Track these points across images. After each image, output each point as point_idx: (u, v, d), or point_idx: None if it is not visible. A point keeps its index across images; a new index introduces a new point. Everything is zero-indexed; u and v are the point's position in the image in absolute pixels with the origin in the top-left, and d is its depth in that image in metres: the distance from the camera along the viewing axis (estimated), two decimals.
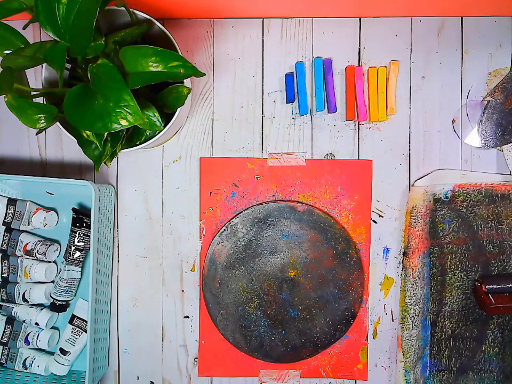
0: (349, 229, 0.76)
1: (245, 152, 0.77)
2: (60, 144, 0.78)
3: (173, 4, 0.69)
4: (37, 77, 0.77)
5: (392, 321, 0.77)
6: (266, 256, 0.76)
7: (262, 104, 0.77)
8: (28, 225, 0.74)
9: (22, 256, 0.75)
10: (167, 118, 0.62)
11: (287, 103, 0.76)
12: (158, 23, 0.61)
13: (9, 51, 0.54)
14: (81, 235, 0.73)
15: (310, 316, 0.76)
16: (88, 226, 0.73)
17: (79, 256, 0.73)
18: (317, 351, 0.76)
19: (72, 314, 0.76)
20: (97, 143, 0.56)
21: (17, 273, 0.74)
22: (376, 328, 0.77)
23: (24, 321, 0.75)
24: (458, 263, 0.76)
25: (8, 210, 0.73)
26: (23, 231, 0.75)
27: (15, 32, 0.55)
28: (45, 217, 0.74)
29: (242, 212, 0.75)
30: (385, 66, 0.75)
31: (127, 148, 0.62)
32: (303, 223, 0.76)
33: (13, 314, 0.75)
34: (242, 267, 0.76)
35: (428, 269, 0.76)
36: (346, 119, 0.76)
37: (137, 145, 0.63)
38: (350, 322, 0.75)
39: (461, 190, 0.75)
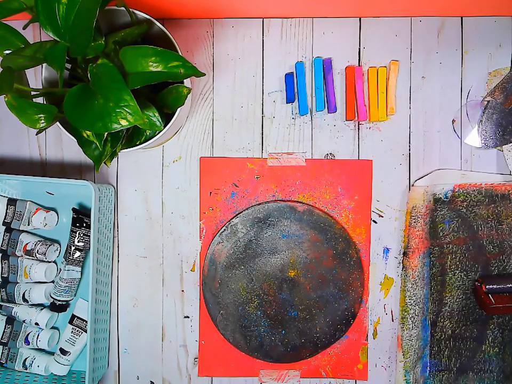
0: (349, 229, 0.76)
1: (245, 152, 0.77)
2: (60, 144, 0.78)
3: (173, 3, 0.69)
4: (37, 77, 0.77)
5: (392, 321, 0.77)
6: (266, 256, 0.76)
7: (262, 104, 0.77)
8: (28, 225, 0.74)
9: (22, 256, 0.75)
10: (167, 118, 0.62)
11: (287, 103, 0.76)
12: (158, 23, 0.61)
13: (9, 51, 0.54)
14: (81, 235, 0.73)
15: (310, 316, 0.76)
16: (88, 226, 0.73)
17: (79, 256, 0.73)
18: (317, 351, 0.76)
19: (72, 314, 0.76)
20: (97, 143, 0.56)
21: (17, 273, 0.74)
22: (376, 328, 0.77)
23: (24, 321, 0.75)
24: (458, 263, 0.76)
25: (8, 210, 0.73)
26: (23, 231, 0.75)
27: (15, 32, 0.55)
28: (45, 217, 0.74)
29: (242, 212, 0.75)
30: (385, 66, 0.75)
31: (127, 148, 0.62)
32: (303, 223, 0.76)
33: (13, 314, 0.75)
34: (242, 267, 0.76)
35: (428, 269, 0.76)
36: (346, 119, 0.76)
37: (137, 145, 0.63)
38: (350, 322, 0.76)
39: (461, 190, 0.75)
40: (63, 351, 0.75)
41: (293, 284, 0.77)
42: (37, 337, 0.75)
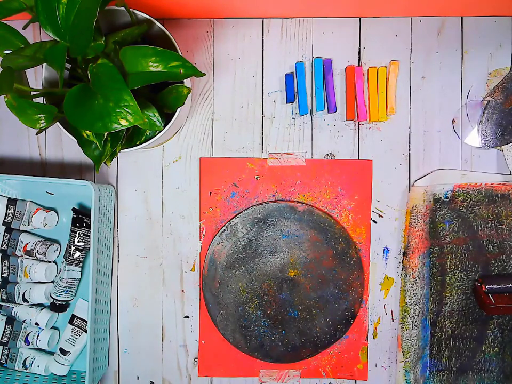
0: (349, 229, 0.76)
1: (245, 152, 0.77)
2: (60, 144, 0.78)
3: (173, 3, 0.69)
4: (37, 77, 0.77)
5: (392, 321, 0.77)
6: (266, 256, 0.76)
7: (262, 104, 0.77)
8: (28, 225, 0.74)
9: (22, 256, 0.75)
10: (167, 118, 0.62)
11: (287, 103, 0.76)
12: (158, 23, 0.61)
13: (9, 51, 0.54)
14: (81, 235, 0.73)
15: (310, 316, 0.76)
16: (88, 226, 0.73)
17: (79, 256, 0.73)
18: (317, 351, 0.76)
19: (72, 314, 0.76)
20: (97, 143, 0.56)
21: (17, 273, 0.74)
22: (376, 328, 0.77)
23: (24, 321, 0.75)
24: (458, 263, 0.76)
25: (8, 210, 0.73)
26: (23, 231, 0.75)
27: (15, 32, 0.55)
28: (45, 217, 0.74)
29: (242, 212, 0.75)
30: (385, 66, 0.75)
31: (127, 148, 0.62)
32: (303, 223, 0.76)
33: (13, 314, 0.75)
34: (242, 267, 0.76)
35: (428, 269, 0.76)
36: (346, 119, 0.76)
37: (137, 145, 0.63)
38: (350, 322, 0.76)
39: (461, 190, 0.75)
40: (63, 351, 0.75)
41: (293, 284, 0.77)
42: (37, 337, 0.75)
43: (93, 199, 0.66)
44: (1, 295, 0.76)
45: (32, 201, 0.75)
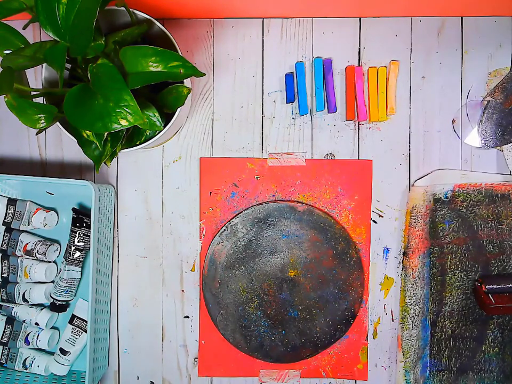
0: (349, 229, 0.76)
1: (245, 152, 0.77)
2: (60, 144, 0.78)
3: (173, 3, 0.69)
4: (37, 77, 0.77)
5: (392, 321, 0.77)
6: (266, 256, 0.76)
7: (262, 104, 0.77)
8: (28, 225, 0.74)
9: (22, 256, 0.75)
10: (167, 118, 0.62)
11: (287, 103, 0.76)
12: (158, 23, 0.61)
13: (9, 51, 0.54)
14: (81, 235, 0.73)
15: (310, 316, 0.76)
16: (88, 226, 0.73)
17: (79, 256, 0.73)
18: (317, 351, 0.76)
19: (72, 314, 0.76)
20: (97, 143, 0.56)
21: (17, 273, 0.74)
22: (376, 328, 0.77)
23: (24, 321, 0.75)
24: (458, 263, 0.76)
25: (8, 210, 0.73)
26: (23, 231, 0.75)
27: (15, 32, 0.55)
28: (45, 217, 0.74)
29: (242, 212, 0.75)
30: (385, 66, 0.75)
31: (127, 148, 0.62)
32: (303, 223, 0.76)
33: (13, 314, 0.75)
34: (242, 267, 0.76)
35: (428, 269, 0.76)
36: (346, 119, 0.76)
37: (137, 145, 0.63)
38: (350, 322, 0.76)
39: (461, 190, 0.75)
40: (63, 351, 0.75)
41: (293, 284, 0.77)
42: (37, 337, 0.75)
43: (93, 199, 0.66)
44: (1, 295, 0.76)
45: (32, 201, 0.75)
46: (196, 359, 0.77)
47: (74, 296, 0.76)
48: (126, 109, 0.50)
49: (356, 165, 0.76)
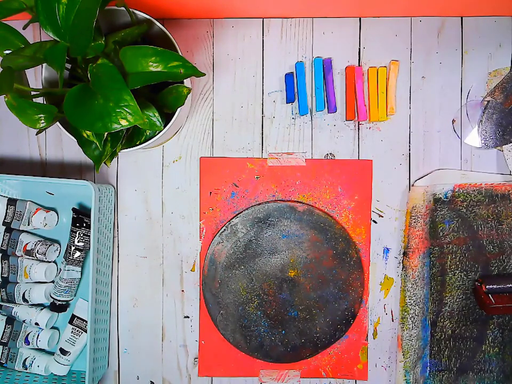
0: (349, 229, 0.76)
1: (245, 152, 0.77)
2: (60, 144, 0.78)
3: (173, 3, 0.69)
4: (37, 77, 0.77)
5: (392, 321, 0.77)
6: (266, 256, 0.76)
7: (262, 104, 0.77)
8: (28, 225, 0.74)
9: (22, 256, 0.75)
10: (167, 118, 0.62)
11: (287, 103, 0.76)
12: (158, 23, 0.61)
13: (9, 51, 0.54)
14: (81, 235, 0.73)
15: (310, 316, 0.76)
16: (88, 226, 0.73)
17: (79, 256, 0.73)
18: (317, 351, 0.76)
19: (72, 314, 0.76)
20: (97, 143, 0.56)
21: (17, 273, 0.74)
22: (376, 328, 0.77)
23: (24, 321, 0.75)
24: (458, 263, 0.76)
25: (8, 210, 0.73)
26: (23, 231, 0.75)
27: (15, 32, 0.55)
28: (45, 217, 0.74)
29: (242, 212, 0.75)
30: (385, 66, 0.75)
31: (127, 148, 0.62)
32: (303, 223, 0.76)
33: (13, 314, 0.75)
34: (242, 267, 0.76)
35: (428, 269, 0.76)
36: (346, 119, 0.76)
37: (137, 145, 0.63)
38: (350, 322, 0.75)
39: (461, 190, 0.75)
40: (63, 351, 0.75)
41: (293, 284, 0.77)
42: (37, 337, 0.75)
43: (93, 199, 0.66)
44: (1, 295, 0.76)
45: (32, 201, 0.75)
46: (195, 359, 0.77)
47: (74, 296, 0.76)
48: (126, 109, 0.50)
49: (356, 165, 0.76)
